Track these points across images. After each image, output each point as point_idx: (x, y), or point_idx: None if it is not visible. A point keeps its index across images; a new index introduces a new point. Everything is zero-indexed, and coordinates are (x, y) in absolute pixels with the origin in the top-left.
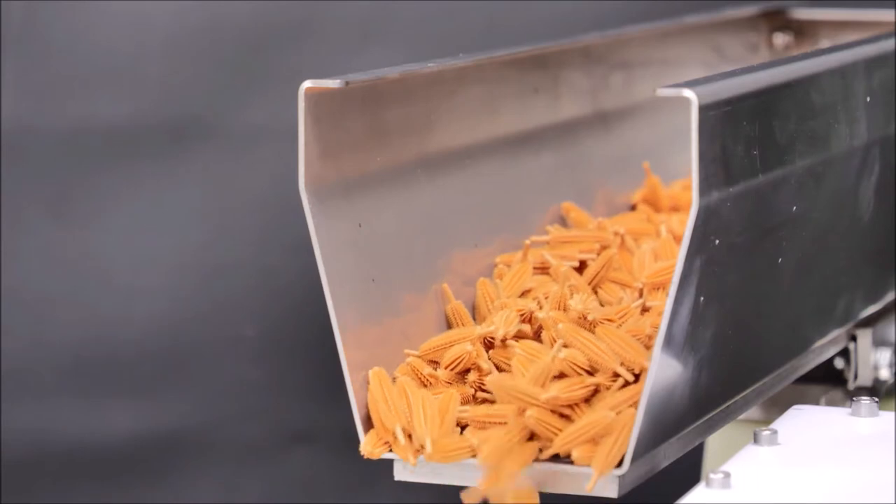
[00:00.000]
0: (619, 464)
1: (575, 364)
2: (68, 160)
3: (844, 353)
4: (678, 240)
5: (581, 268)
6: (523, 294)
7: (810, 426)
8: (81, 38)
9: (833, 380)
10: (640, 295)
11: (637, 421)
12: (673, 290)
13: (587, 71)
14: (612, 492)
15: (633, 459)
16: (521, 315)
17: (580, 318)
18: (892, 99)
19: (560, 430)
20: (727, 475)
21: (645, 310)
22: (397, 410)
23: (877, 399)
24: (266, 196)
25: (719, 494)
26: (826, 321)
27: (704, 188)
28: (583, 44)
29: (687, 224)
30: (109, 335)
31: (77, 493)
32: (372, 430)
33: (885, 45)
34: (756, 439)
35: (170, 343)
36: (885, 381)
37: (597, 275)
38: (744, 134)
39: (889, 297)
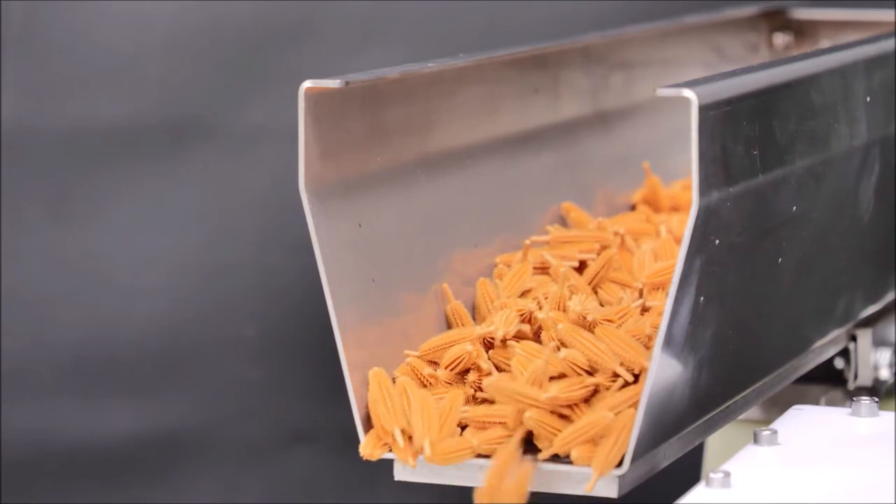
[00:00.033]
0: (619, 464)
1: (574, 364)
2: (68, 160)
3: (844, 353)
4: (678, 240)
5: (581, 268)
6: (523, 294)
7: (810, 426)
8: (81, 38)
9: (833, 380)
10: (640, 295)
11: (637, 421)
12: (673, 290)
13: (587, 71)
14: (612, 492)
15: (633, 459)
16: (521, 315)
17: (580, 318)
18: (892, 99)
19: (559, 431)
20: (727, 475)
21: (645, 310)
22: (396, 412)
23: (877, 399)
24: (266, 196)
25: (719, 494)
26: (826, 321)
27: (704, 188)
28: (583, 44)
29: (687, 224)
30: (109, 335)
31: (77, 493)
32: (371, 432)
33: (885, 45)
34: (756, 439)
35: (170, 343)
36: (885, 381)
37: (597, 275)
38: (744, 134)
39: (889, 297)
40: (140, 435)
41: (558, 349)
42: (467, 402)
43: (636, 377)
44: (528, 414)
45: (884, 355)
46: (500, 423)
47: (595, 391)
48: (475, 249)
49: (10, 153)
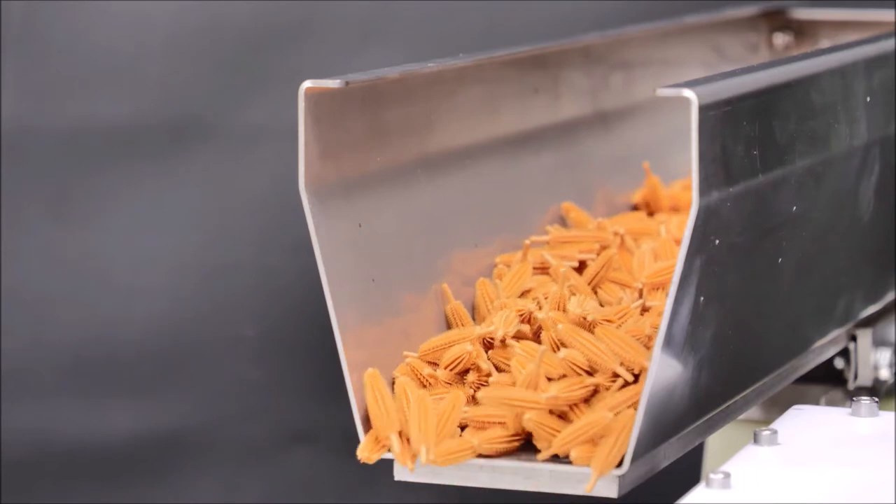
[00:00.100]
0: (619, 464)
1: (574, 364)
2: (68, 160)
3: (844, 353)
4: (678, 240)
5: (581, 268)
6: (523, 294)
7: (810, 426)
8: (81, 38)
9: (833, 380)
10: (640, 295)
11: (637, 421)
12: (673, 290)
13: (587, 71)
14: (612, 492)
15: (633, 459)
16: (521, 315)
17: (580, 318)
18: (892, 99)
19: (558, 431)
20: (727, 475)
21: (645, 310)
22: (391, 417)
23: (877, 399)
24: (266, 196)
25: (719, 494)
26: (826, 321)
27: (704, 188)
28: (583, 44)
29: (687, 224)
30: (109, 335)
31: (77, 493)
32: (369, 434)
33: (885, 45)
34: (756, 439)
35: (170, 343)
36: (885, 381)
37: (596, 275)
38: (744, 134)
39: (889, 297)
40: (140, 435)
41: (555, 350)
42: (467, 402)
43: (636, 377)
44: (527, 416)
45: (884, 355)
46: (499, 423)
47: (595, 391)
48: (475, 249)
49: (10, 153)
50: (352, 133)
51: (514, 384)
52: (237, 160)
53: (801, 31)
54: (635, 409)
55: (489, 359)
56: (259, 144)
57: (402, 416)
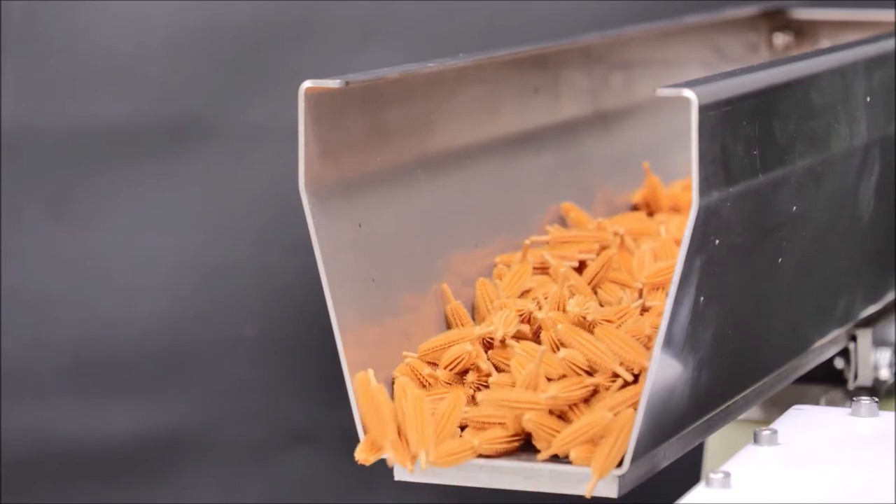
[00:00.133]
0: (619, 464)
1: (574, 364)
2: (68, 160)
3: (844, 353)
4: (678, 241)
5: (581, 268)
6: (523, 294)
7: (810, 426)
8: (81, 38)
9: (833, 380)
10: (640, 295)
11: (637, 421)
12: (673, 290)
13: (587, 71)
14: (612, 492)
15: (633, 459)
16: (521, 315)
17: (579, 318)
18: (892, 99)
19: (558, 432)
20: (727, 475)
21: (645, 310)
22: (385, 425)
23: (877, 399)
24: (266, 196)
25: (719, 494)
26: (826, 321)
27: (704, 188)
28: (583, 44)
29: (687, 224)
30: (109, 335)
31: (77, 493)
32: (367, 436)
33: (885, 45)
34: (756, 439)
35: (170, 343)
36: (885, 381)
37: (596, 275)
38: (744, 134)
39: (889, 297)
40: (140, 435)
41: (555, 350)
42: (467, 402)
43: (636, 377)
44: (526, 416)
45: (884, 355)
46: (499, 423)
47: (595, 391)
48: (475, 249)
49: (10, 153)
50: (352, 133)
51: (513, 384)
52: (237, 160)
53: (801, 31)
54: (635, 409)
55: (489, 359)
56: (259, 144)
57: (398, 419)
